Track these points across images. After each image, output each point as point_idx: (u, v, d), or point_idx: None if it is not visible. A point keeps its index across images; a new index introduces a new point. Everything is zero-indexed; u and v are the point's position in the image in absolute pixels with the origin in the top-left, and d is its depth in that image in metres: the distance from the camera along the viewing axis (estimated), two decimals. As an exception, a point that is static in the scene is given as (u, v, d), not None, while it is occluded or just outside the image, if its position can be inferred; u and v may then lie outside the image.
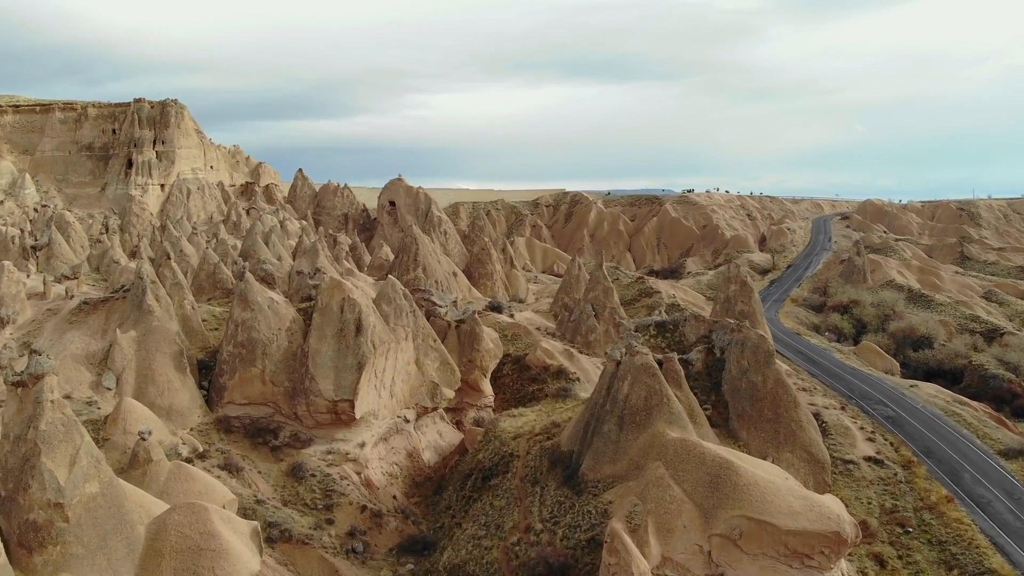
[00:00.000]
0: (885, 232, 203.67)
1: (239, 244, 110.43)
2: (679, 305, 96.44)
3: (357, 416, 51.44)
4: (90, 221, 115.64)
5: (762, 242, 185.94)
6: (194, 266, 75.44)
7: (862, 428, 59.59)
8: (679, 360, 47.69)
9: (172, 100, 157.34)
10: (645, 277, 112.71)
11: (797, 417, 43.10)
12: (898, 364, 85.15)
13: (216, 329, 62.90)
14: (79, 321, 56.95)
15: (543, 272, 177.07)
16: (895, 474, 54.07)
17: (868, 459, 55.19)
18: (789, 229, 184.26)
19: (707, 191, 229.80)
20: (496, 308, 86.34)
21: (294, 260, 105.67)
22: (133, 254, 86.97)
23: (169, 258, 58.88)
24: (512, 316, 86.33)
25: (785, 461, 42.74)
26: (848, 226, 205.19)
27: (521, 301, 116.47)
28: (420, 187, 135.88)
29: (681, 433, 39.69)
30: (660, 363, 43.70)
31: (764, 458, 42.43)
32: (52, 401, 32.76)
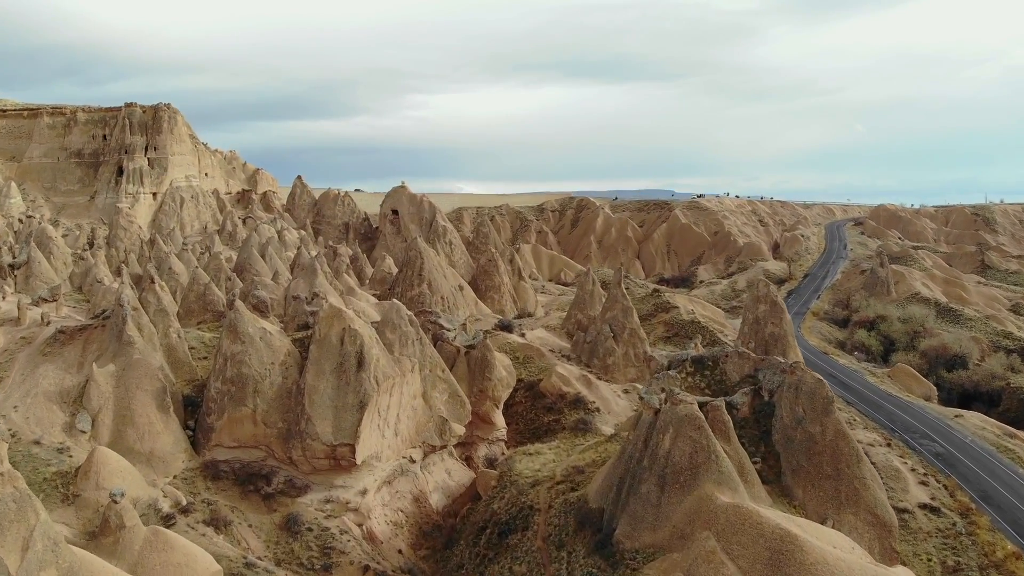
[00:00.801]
0: (901, 239, 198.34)
1: (234, 256, 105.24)
2: (699, 322, 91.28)
3: (358, 462, 46.35)
4: (77, 232, 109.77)
5: (775, 249, 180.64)
6: (183, 285, 70.28)
7: (913, 470, 54.34)
8: (721, 402, 42.58)
9: (165, 104, 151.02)
10: (661, 290, 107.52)
11: (860, 474, 37.91)
12: (935, 388, 79.95)
13: (205, 358, 57.78)
14: (53, 352, 51.76)
15: (550, 280, 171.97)
16: (954, 524, 48.80)
17: (923, 507, 49.96)
18: (803, 236, 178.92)
19: (717, 196, 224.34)
20: (506, 327, 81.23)
21: (292, 273, 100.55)
22: (120, 271, 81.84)
23: (153, 282, 53.68)
24: (523, 335, 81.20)
25: (847, 524, 37.58)
26: (863, 232, 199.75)
27: (530, 315, 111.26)
28: (424, 195, 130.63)
29: (732, 496, 34.53)
30: (702, 407, 38.54)
31: (823, 521, 37.31)
32: (2, 473, 27.78)
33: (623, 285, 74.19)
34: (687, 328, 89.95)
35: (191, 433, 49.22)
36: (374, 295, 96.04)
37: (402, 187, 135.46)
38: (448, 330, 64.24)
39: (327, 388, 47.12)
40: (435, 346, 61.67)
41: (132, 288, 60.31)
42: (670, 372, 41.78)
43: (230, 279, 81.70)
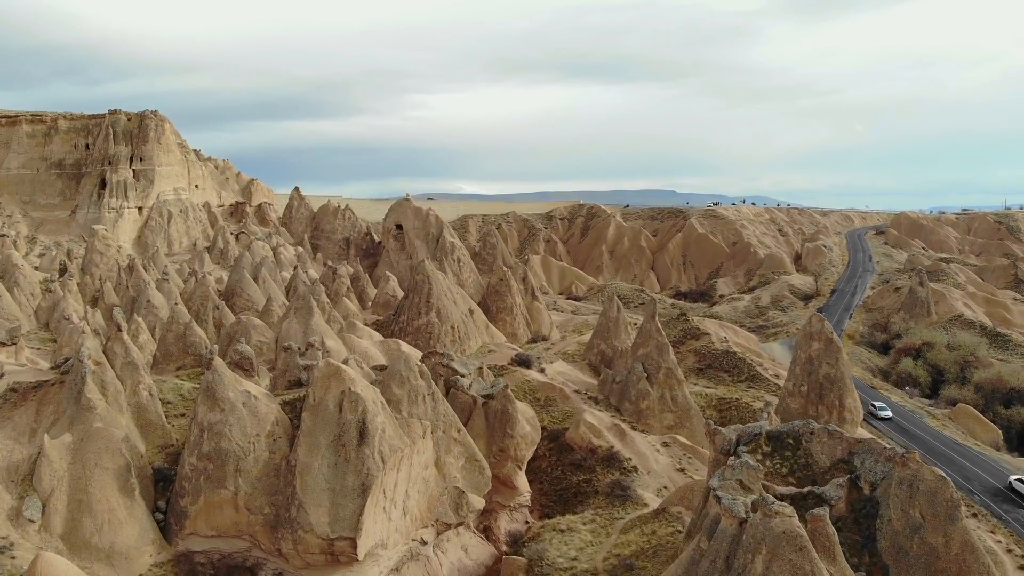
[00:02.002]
0: (924, 248, 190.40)
1: (225, 277, 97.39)
2: (734, 352, 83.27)
3: (360, 557, 38.51)
4: (54, 252, 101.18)
5: (796, 260, 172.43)
6: (163, 320, 62.39)
7: (1010, 551, 46.33)
8: (810, 494, 34.74)
9: (152, 112, 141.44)
10: (688, 313, 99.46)
11: (996, 598, 30.00)
12: (1000, 432, 72.04)
13: (183, 415, 50.01)
14: (2, 416, 43.88)
15: (560, 294, 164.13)
16: (1068, 623, 41.01)
17: (1030, 601, 42.09)
18: (826, 247, 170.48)
19: (733, 204, 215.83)
20: (524, 362, 73.33)
21: (287, 296, 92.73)
22: (95, 301, 73.88)
23: (120, 330, 45.87)
24: (543, 370, 73.35)
25: (981, 664, 29.72)
26: (886, 242, 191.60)
27: (545, 339, 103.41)
28: (430, 208, 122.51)
29: (845, 642, 26.70)
30: (797, 507, 30.63)
31: (952, 662, 29.47)
32: None
33: (657, 321, 66.13)
34: (721, 359, 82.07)
35: (162, 516, 41.41)
36: (377, 321, 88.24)
37: (407, 200, 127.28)
38: (462, 376, 56.33)
39: (323, 467, 39.26)
40: (447, 395, 53.96)
41: (100, 332, 52.50)
42: (747, 460, 33.81)
43: (217, 308, 73.88)
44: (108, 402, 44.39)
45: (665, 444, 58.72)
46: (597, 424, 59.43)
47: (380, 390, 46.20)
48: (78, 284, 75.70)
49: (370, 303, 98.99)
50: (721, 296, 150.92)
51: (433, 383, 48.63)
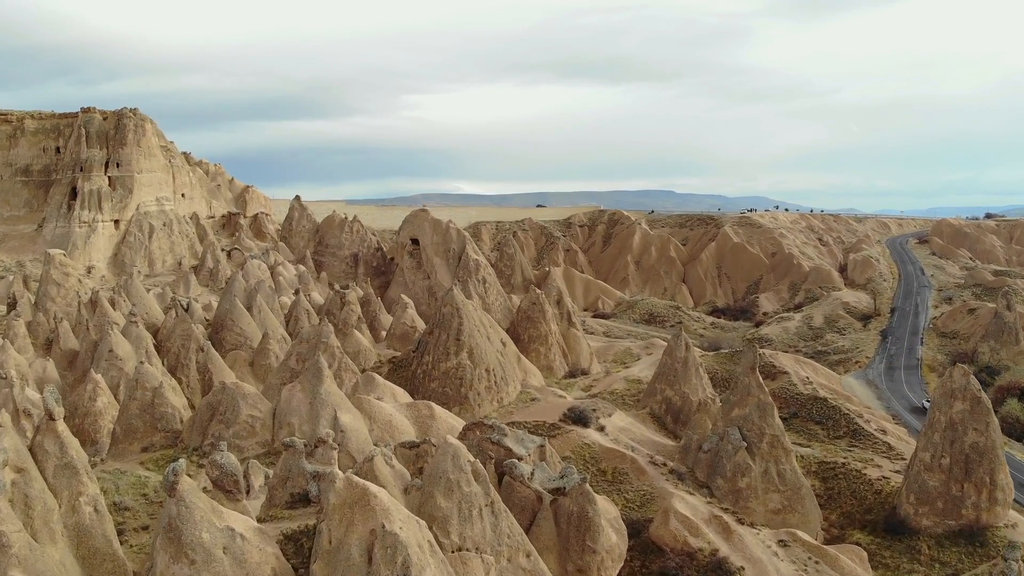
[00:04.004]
0: (971, 259, 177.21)
1: (214, 302, 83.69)
2: (823, 398, 69.70)
3: None
4: (12, 276, 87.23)
5: (841, 272, 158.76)
6: (130, 375, 48.79)
7: None
8: None
9: (131, 110, 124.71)
10: (755, 343, 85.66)
11: None
12: None
13: (147, 528, 36.46)
14: None
15: (585, 310, 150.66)
16: None
17: None
18: (873, 258, 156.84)
19: (768, 210, 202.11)
20: (580, 419, 59.71)
21: (287, 327, 79.13)
22: (49, 345, 60.25)
23: (53, 419, 32.30)
24: (603, 429, 59.88)
25: None
26: (932, 252, 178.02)
27: (584, 372, 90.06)
28: (450, 221, 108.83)
29: None
30: None
31: None
32: None
33: (757, 372, 52.51)
34: (808, 407, 68.59)
35: None
36: (394, 359, 74.64)
37: (423, 211, 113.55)
38: (519, 458, 42.76)
39: (346, 654, 25.67)
40: (499, 484, 40.63)
41: (29, 415, 38.90)
42: None
43: (202, 350, 60.25)
44: (34, 528, 30.84)
45: (782, 543, 45.04)
46: (691, 516, 45.83)
47: (420, 501, 32.90)
48: (28, 324, 62.28)
49: (384, 333, 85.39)
50: (764, 314, 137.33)
51: (490, 486, 35.06)
